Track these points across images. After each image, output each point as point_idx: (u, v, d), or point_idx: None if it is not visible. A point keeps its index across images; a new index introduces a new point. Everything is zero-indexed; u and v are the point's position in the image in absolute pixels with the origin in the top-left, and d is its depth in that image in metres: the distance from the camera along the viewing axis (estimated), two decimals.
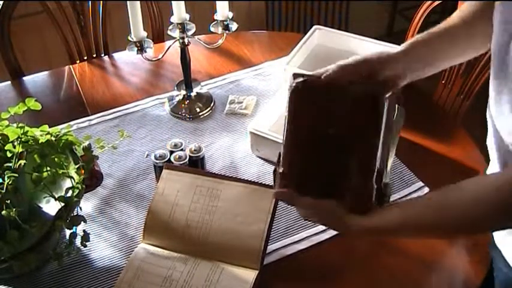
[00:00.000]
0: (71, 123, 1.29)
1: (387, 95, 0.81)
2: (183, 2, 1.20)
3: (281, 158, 0.83)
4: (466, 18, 0.89)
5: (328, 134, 0.81)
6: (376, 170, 0.79)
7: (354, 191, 0.79)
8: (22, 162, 0.88)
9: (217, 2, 1.23)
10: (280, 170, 0.82)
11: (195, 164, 1.14)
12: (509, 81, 0.73)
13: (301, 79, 0.83)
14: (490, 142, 0.85)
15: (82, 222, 0.95)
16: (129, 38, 1.19)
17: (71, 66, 1.54)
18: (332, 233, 1.03)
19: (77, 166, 0.94)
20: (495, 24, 0.77)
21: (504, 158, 0.82)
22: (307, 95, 0.82)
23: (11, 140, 0.91)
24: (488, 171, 0.91)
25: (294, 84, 0.82)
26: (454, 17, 0.91)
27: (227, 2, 1.23)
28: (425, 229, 0.80)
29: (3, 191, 0.83)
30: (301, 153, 0.83)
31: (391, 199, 1.08)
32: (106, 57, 1.63)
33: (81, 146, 0.98)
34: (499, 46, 0.76)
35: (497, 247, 0.90)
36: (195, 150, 1.14)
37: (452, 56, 0.93)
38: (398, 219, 0.78)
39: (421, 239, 1.00)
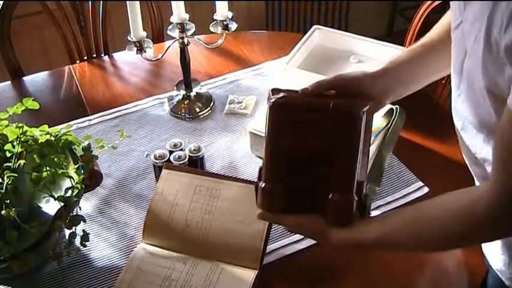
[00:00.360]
0: (71, 123, 1.29)
1: (364, 109, 0.81)
2: (183, 2, 1.20)
3: (262, 173, 0.84)
4: (442, 36, 0.89)
5: (308, 148, 0.82)
6: (355, 182, 0.80)
7: (334, 204, 0.80)
8: (22, 162, 0.88)
9: (216, 2, 1.23)
10: (262, 186, 0.83)
11: (195, 164, 1.14)
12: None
13: (280, 95, 0.83)
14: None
15: (82, 222, 0.95)
16: (129, 38, 1.19)
17: (70, 66, 1.54)
18: None
19: (77, 166, 0.94)
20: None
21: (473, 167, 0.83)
22: (286, 110, 0.82)
23: (10, 140, 0.91)
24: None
25: (273, 100, 0.82)
26: (433, 34, 0.91)
27: (227, 2, 1.23)
28: (403, 245, 0.81)
29: (3, 191, 0.83)
30: (283, 168, 0.83)
31: (384, 201, 1.10)
32: (106, 57, 1.63)
33: (81, 146, 0.99)
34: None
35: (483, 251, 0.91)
36: (194, 150, 1.14)
37: (434, 73, 0.94)
38: (376, 234, 0.79)
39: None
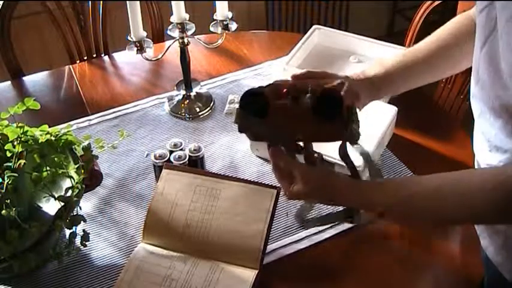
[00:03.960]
0: (71, 123, 1.29)
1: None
2: (183, 2, 1.20)
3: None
4: (442, 43, 0.92)
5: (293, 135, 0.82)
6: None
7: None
8: (22, 162, 0.88)
9: (216, 1, 1.23)
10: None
11: (195, 164, 1.14)
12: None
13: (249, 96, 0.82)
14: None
15: (82, 222, 0.95)
16: (129, 38, 1.19)
17: (70, 66, 1.55)
18: (332, 232, 1.03)
19: (77, 166, 0.95)
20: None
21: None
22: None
23: (10, 139, 0.92)
24: None
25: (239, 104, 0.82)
26: (432, 40, 0.94)
27: (227, 2, 1.23)
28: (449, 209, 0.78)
29: (3, 191, 0.83)
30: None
31: None
32: (106, 57, 1.63)
33: (81, 146, 0.99)
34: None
35: (483, 249, 0.91)
36: (194, 150, 1.14)
37: (428, 79, 0.98)
38: (433, 185, 0.78)
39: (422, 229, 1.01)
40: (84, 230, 0.99)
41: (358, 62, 1.40)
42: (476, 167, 0.88)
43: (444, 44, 0.93)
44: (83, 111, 1.36)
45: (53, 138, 0.95)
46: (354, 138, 0.81)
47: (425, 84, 0.99)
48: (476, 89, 0.80)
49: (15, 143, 0.91)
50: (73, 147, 0.98)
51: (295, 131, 0.82)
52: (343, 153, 0.85)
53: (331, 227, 1.04)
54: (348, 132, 0.79)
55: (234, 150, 1.23)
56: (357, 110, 0.83)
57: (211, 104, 1.36)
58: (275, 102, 0.80)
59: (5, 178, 0.84)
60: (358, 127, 0.81)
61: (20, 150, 0.90)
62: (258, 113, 0.81)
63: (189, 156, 1.13)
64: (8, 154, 0.89)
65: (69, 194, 0.91)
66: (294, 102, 0.80)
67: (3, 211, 0.82)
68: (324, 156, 1.10)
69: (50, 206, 0.93)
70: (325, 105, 0.77)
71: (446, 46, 0.93)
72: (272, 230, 0.99)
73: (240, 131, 0.84)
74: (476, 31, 0.78)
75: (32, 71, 1.56)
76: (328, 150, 1.11)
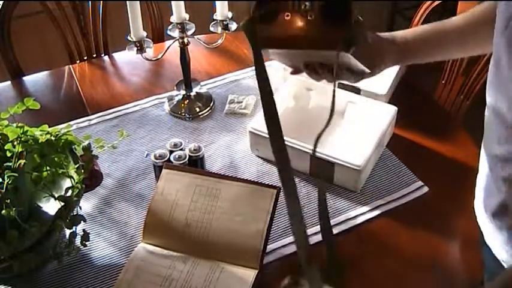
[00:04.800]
0: (71, 122, 1.29)
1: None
2: (183, 2, 1.20)
3: None
4: (470, 22, 0.92)
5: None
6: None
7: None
8: (22, 161, 0.88)
9: (216, 1, 1.23)
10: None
11: (195, 164, 1.14)
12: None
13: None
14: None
15: (82, 222, 0.95)
16: (129, 38, 1.19)
17: (70, 66, 1.55)
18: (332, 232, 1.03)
19: (77, 166, 0.95)
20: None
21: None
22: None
23: (10, 139, 0.92)
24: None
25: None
26: (460, 19, 0.94)
27: (227, 2, 1.23)
28: None
29: (3, 191, 0.83)
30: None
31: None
32: (106, 57, 1.63)
33: (81, 146, 0.99)
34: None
35: (486, 244, 0.91)
36: (194, 149, 1.14)
37: (445, 56, 0.99)
38: None
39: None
40: (84, 230, 0.99)
41: None
42: (481, 161, 0.88)
43: (474, 20, 0.94)
44: (83, 111, 1.36)
45: (53, 138, 0.95)
46: (352, 42, 0.79)
47: (453, 57, 1.01)
48: (494, 72, 0.79)
49: (15, 143, 0.90)
50: (73, 147, 0.98)
51: (300, 37, 0.81)
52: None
53: (331, 226, 1.04)
54: (349, 34, 0.78)
55: (234, 150, 1.23)
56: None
57: (211, 104, 1.36)
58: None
59: (5, 178, 0.84)
60: (359, 34, 0.81)
61: (20, 150, 0.90)
62: (267, 16, 0.79)
63: (189, 156, 1.13)
64: (8, 154, 0.89)
65: (69, 193, 0.91)
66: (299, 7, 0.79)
67: (3, 211, 0.82)
68: (323, 156, 1.11)
69: (50, 206, 0.93)
70: (329, 8, 0.77)
71: (476, 22, 0.94)
72: (272, 230, 0.99)
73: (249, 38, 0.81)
74: (496, 15, 0.79)
75: (32, 71, 1.56)
76: (328, 150, 1.11)
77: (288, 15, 0.78)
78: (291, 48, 0.86)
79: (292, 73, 1.00)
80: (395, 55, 0.96)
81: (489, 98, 0.81)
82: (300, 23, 0.79)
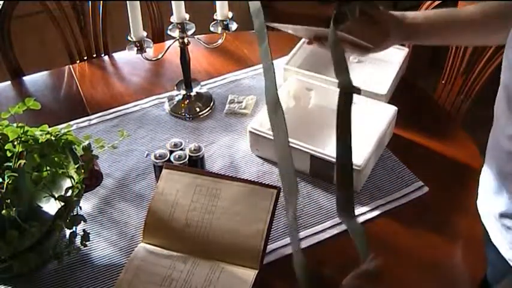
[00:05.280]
0: (71, 122, 1.29)
1: None
2: (183, 2, 1.20)
3: None
4: (484, 14, 0.95)
5: None
6: None
7: None
8: (22, 161, 0.88)
9: (216, 1, 1.23)
10: None
11: (195, 164, 1.14)
12: None
13: None
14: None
15: (82, 222, 0.95)
16: (129, 38, 1.19)
17: (70, 66, 1.54)
18: (332, 232, 1.03)
19: (77, 166, 0.95)
20: None
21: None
22: None
23: (11, 139, 0.92)
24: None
25: None
26: (475, 9, 0.97)
27: (227, 2, 1.23)
28: None
29: (3, 191, 0.83)
30: None
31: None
32: (106, 57, 1.63)
33: (81, 146, 0.98)
34: None
35: (491, 243, 0.91)
36: (194, 149, 1.14)
37: (452, 43, 1.04)
38: None
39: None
40: (84, 230, 0.99)
41: (358, 62, 1.40)
42: (488, 160, 0.88)
43: (489, 12, 0.96)
44: (83, 111, 1.36)
45: (53, 138, 0.95)
46: (341, 20, 0.85)
47: (459, 44, 1.05)
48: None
49: (15, 143, 0.90)
50: (73, 147, 0.98)
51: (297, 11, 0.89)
52: None
53: (331, 226, 1.05)
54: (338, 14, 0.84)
55: (234, 150, 1.23)
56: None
57: (211, 104, 1.36)
58: None
59: (5, 178, 0.84)
60: (351, 11, 0.86)
61: (20, 150, 0.90)
62: None
63: (189, 156, 1.13)
64: (8, 154, 0.89)
65: (69, 193, 0.91)
66: None
67: (3, 211, 0.82)
68: (323, 156, 1.11)
69: (50, 206, 0.93)
70: None
71: (489, 15, 0.96)
72: (272, 229, 0.99)
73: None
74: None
75: (32, 71, 1.56)
76: (328, 150, 1.11)
77: None
78: (294, 24, 0.94)
79: (308, 43, 1.08)
80: (400, 34, 0.99)
81: (503, 85, 0.81)
82: (297, 2, 0.87)
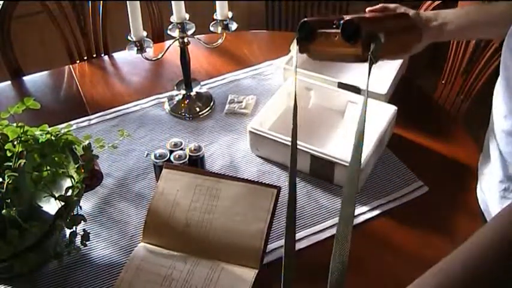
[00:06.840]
0: (71, 122, 1.29)
1: None
2: (183, 2, 1.20)
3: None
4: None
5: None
6: None
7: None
8: (22, 161, 0.88)
9: (216, 1, 1.23)
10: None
11: (195, 164, 1.14)
12: None
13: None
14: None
15: (82, 222, 0.95)
16: (129, 38, 1.19)
17: (70, 66, 1.55)
18: (332, 232, 1.03)
19: (77, 165, 0.95)
20: None
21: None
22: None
23: (10, 139, 0.92)
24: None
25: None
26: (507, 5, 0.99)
27: (227, 2, 1.23)
28: None
29: (4, 191, 0.83)
30: None
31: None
32: (106, 57, 1.63)
33: (81, 146, 0.99)
34: None
35: None
36: (194, 149, 1.14)
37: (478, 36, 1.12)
38: None
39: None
40: (84, 230, 0.99)
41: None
42: (491, 141, 0.90)
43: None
44: (83, 111, 1.37)
45: (53, 138, 0.95)
46: (372, 60, 0.91)
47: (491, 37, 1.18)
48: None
49: (15, 143, 0.90)
50: (73, 147, 0.98)
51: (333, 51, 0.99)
52: None
53: (331, 226, 1.05)
54: (367, 52, 0.91)
55: (234, 150, 1.23)
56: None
57: (211, 104, 1.36)
58: (319, 30, 0.99)
59: (5, 178, 0.84)
60: (378, 50, 0.92)
61: (20, 149, 0.90)
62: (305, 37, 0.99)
63: (189, 155, 1.13)
64: (8, 154, 0.89)
65: (69, 193, 0.91)
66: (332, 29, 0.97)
67: (4, 211, 0.82)
68: (323, 156, 1.11)
69: (50, 206, 0.93)
70: (347, 30, 0.94)
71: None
72: (272, 229, 0.99)
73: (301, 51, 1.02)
74: None
75: (32, 71, 1.56)
76: (328, 150, 1.11)
77: (321, 34, 0.98)
78: (328, 60, 1.13)
79: None
80: (432, 36, 1.02)
81: (502, 69, 0.84)
82: (330, 42, 0.97)
